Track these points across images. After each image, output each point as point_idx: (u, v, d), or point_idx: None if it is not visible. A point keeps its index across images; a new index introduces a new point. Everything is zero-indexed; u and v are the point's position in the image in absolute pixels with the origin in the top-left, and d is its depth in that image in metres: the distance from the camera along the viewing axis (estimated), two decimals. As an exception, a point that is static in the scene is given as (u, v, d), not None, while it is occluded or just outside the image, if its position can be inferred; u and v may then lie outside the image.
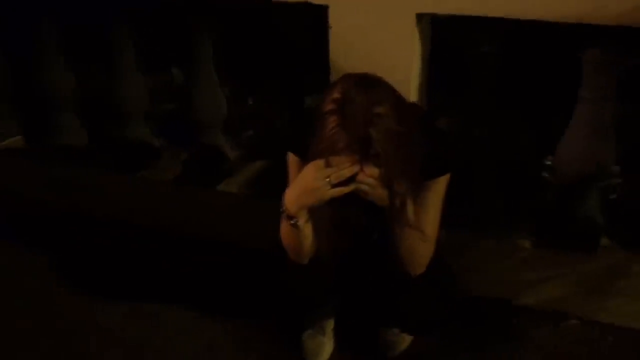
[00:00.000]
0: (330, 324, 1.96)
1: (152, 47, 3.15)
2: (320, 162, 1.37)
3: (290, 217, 1.45)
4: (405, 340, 1.92)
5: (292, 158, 1.61)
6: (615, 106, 2.00)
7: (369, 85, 1.37)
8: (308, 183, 1.39)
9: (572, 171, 2.09)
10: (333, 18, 1.96)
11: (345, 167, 1.34)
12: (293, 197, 1.44)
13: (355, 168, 1.34)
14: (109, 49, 2.62)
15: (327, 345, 1.96)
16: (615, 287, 2.04)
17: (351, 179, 1.36)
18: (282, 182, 1.56)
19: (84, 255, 2.41)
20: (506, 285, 2.09)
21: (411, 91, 1.97)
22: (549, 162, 2.30)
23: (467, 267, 2.08)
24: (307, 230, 1.48)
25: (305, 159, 1.45)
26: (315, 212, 1.47)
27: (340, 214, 1.50)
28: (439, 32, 2.08)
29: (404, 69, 1.93)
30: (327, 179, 1.36)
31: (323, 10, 1.98)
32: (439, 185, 1.55)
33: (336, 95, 1.33)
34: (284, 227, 1.51)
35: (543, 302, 2.04)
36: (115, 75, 2.66)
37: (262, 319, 2.04)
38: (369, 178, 1.35)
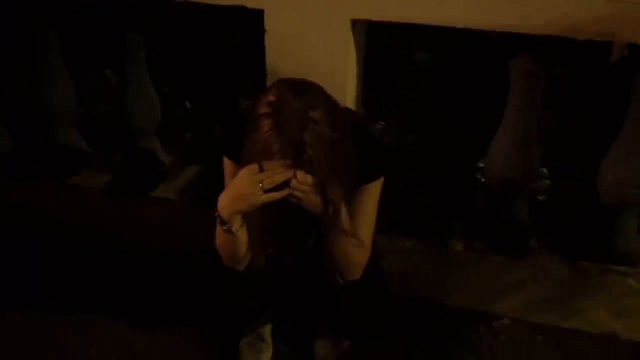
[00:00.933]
0: (267, 330, 1.95)
1: (82, 49, 3.06)
2: (254, 167, 1.35)
3: (223, 223, 1.43)
4: (342, 346, 1.93)
5: (227, 162, 1.59)
6: (541, 112, 2.08)
7: (304, 90, 1.36)
8: (241, 188, 1.37)
9: (500, 174, 2.16)
10: (269, 22, 1.96)
11: (278, 173, 1.33)
12: (226, 202, 1.42)
13: (289, 174, 1.33)
14: (36, 51, 2.53)
15: (266, 351, 1.94)
16: (544, 289, 2.11)
17: (285, 185, 1.35)
18: (219, 188, 1.54)
19: (15, 268, 2.30)
20: (440, 287, 2.13)
21: (347, 96, 1.99)
22: (481, 165, 2.37)
23: (401, 271, 2.12)
24: (242, 235, 1.46)
25: (240, 163, 1.43)
26: (249, 218, 1.45)
27: (274, 220, 1.49)
28: (374, 38, 2.10)
29: (340, 75, 1.94)
30: (261, 185, 1.34)
31: (259, 14, 1.97)
32: (373, 191, 1.56)
33: (271, 98, 1.32)
34: (219, 233, 1.48)
35: (475, 304, 2.08)
36: (42, 78, 2.57)
37: (198, 327, 2.00)
38: (302, 184, 1.35)
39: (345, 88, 1.97)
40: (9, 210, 2.51)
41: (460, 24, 1.73)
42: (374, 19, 1.88)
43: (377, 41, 2.14)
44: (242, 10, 1.95)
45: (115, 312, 2.07)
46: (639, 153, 2.01)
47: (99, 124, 2.94)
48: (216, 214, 1.44)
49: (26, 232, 2.39)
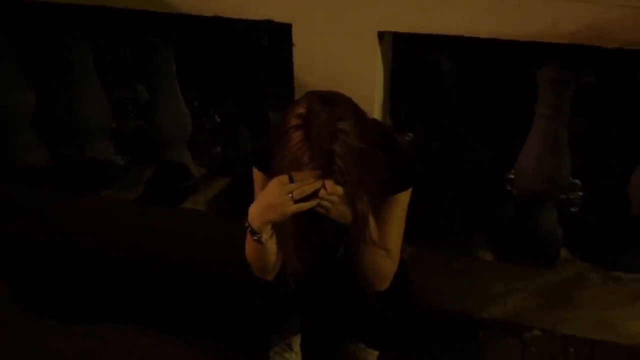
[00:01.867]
0: (297, 340, 1.96)
1: (115, 64, 3.14)
2: (284, 178, 1.37)
3: (253, 233, 1.45)
4: (372, 355, 1.93)
5: (257, 173, 1.61)
6: (570, 121, 2.06)
7: (333, 101, 1.38)
8: (271, 198, 1.39)
9: (530, 184, 2.14)
10: (296, 36, 1.98)
11: (308, 183, 1.35)
12: (257, 212, 1.44)
13: (318, 184, 1.35)
14: (70, 66, 2.59)
15: (295, 361, 1.95)
16: (574, 299, 2.08)
17: (314, 195, 1.37)
18: (248, 199, 1.56)
19: (43, 278, 2.34)
20: (468, 299, 2.12)
21: (374, 107, 2.00)
22: (511, 176, 2.35)
23: (430, 282, 2.11)
24: (271, 245, 1.48)
25: (269, 174, 1.45)
26: (280, 228, 1.47)
27: (304, 230, 1.50)
28: (401, 50, 2.12)
29: (367, 86, 1.96)
30: (290, 195, 1.36)
31: (287, 28, 2.00)
32: (401, 201, 1.57)
33: (301, 110, 1.34)
34: (249, 243, 1.50)
35: (506, 315, 2.06)
36: (76, 93, 2.63)
37: (228, 338, 2.02)
38: (332, 194, 1.36)
39: (372, 99, 1.99)
40: (41, 221, 2.57)
41: (487, 34, 1.74)
42: (400, 30, 1.89)
43: (404, 52, 2.15)
44: (270, 24, 1.99)
45: (141, 320, 2.10)
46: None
47: (131, 137, 2.99)
48: (246, 224, 1.47)
49: (58, 242, 2.44)
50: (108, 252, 2.39)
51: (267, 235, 1.45)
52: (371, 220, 1.46)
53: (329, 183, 1.35)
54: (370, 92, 1.97)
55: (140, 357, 1.99)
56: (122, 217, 2.58)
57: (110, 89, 2.78)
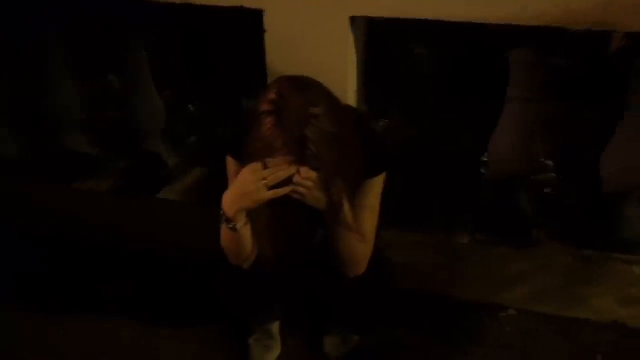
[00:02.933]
0: (276, 327, 1.97)
1: (86, 54, 3.08)
2: (257, 165, 1.37)
3: (228, 221, 1.45)
4: (351, 340, 1.94)
5: (230, 161, 1.61)
6: (545, 104, 2.08)
7: (304, 86, 1.38)
8: (245, 185, 1.39)
9: (503, 167, 2.16)
10: (268, 22, 1.97)
11: (282, 169, 1.35)
12: (230, 200, 1.44)
13: (292, 170, 1.35)
14: (41, 56, 2.54)
15: (275, 348, 1.96)
16: (549, 278, 2.11)
17: (288, 181, 1.37)
18: (223, 188, 1.55)
19: (21, 270, 2.32)
20: (445, 280, 2.14)
21: (347, 93, 1.99)
22: (485, 159, 2.37)
23: (406, 264, 2.13)
24: (246, 233, 1.48)
25: (243, 162, 1.45)
26: (254, 215, 1.47)
27: (280, 217, 1.50)
28: (373, 34, 2.11)
29: (339, 72, 1.95)
30: (264, 181, 1.36)
31: (258, 14, 1.98)
32: (376, 185, 1.58)
33: (272, 95, 1.34)
34: (223, 231, 1.50)
35: (482, 296, 2.09)
36: (48, 83, 2.58)
37: (207, 326, 2.02)
38: (306, 180, 1.36)
39: (345, 84, 1.98)
40: (17, 212, 2.53)
41: (457, 18, 1.74)
42: (372, 14, 1.88)
43: (378, 37, 2.15)
44: (241, 10, 1.97)
45: (122, 311, 2.09)
46: (639, 140, 2.01)
47: (104, 127, 2.95)
48: (221, 213, 1.46)
49: (33, 234, 2.42)
50: (84, 243, 2.38)
51: (241, 222, 1.45)
52: (346, 205, 1.46)
53: (303, 168, 1.35)
54: (343, 78, 1.97)
55: (123, 348, 1.99)
56: (97, 207, 2.55)
57: (83, 79, 2.73)
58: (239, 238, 1.48)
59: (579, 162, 2.41)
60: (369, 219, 1.58)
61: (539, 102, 2.06)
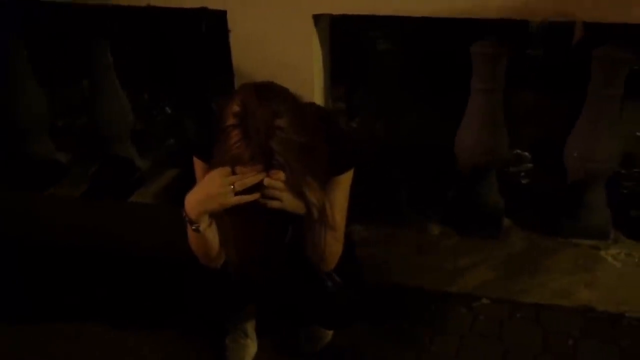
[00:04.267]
0: (251, 325, 1.97)
1: (53, 59, 3.06)
2: (226, 169, 1.37)
3: (191, 222, 1.45)
4: (327, 335, 1.96)
5: (197, 162, 1.60)
6: (504, 95, 2.11)
7: (268, 95, 1.37)
8: (211, 189, 1.39)
9: (470, 158, 2.19)
10: (232, 22, 1.98)
11: (249, 176, 1.36)
12: (194, 202, 1.44)
13: (260, 176, 1.36)
14: (5, 62, 2.51)
15: (251, 347, 1.96)
16: (519, 267, 2.16)
17: (255, 188, 1.38)
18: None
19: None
20: (419, 273, 2.17)
21: (314, 91, 2.01)
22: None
23: (380, 258, 2.15)
24: (210, 234, 1.48)
25: (210, 163, 1.45)
26: (218, 219, 1.47)
27: (247, 221, 1.50)
28: (337, 31, 2.13)
29: (305, 69, 1.97)
30: (232, 187, 1.37)
31: (222, 14, 1.99)
32: (344, 182, 1.59)
33: (236, 108, 1.34)
34: (189, 233, 1.50)
35: (457, 288, 2.12)
36: (13, 90, 2.56)
37: (184, 327, 2.02)
38: (276, 181, 1.37)
39: (312, 83, 2.00)
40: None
41: (418, 13, 1.76)
42: (335, 12, 1.90)
43: (341, 34, 2.17)
44: (205, 11, 1.97)
45: (97, 314, 2.09)
46: (600, 128, 2.06)
47: (74, 133, 2.94)
48: (183, 214, 1.47)
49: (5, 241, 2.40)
50: (57, 248, 2.36)
51: (204, 224, 1.45)
52: (327, 207, 1.47)
53: (272, 171, 1.36)
54: (309, 76, 1.98)
55: (101, 350, 1.98)
56: (68, 212, 2.54)
57: (50, 84, 2.71)
58: (204, 239, 1.48)
59: (548, 151, 2.46)
60: (339, 214, 1.59)
61: (502, 93, 2.09)
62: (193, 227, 1.45)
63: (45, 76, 2.63)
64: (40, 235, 2.43)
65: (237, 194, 1.37)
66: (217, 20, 2.03)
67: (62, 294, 2.21)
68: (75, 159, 2.81)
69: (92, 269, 2.30)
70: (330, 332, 1.96)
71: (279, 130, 1.31)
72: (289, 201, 1.40)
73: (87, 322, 2.07)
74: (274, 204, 1.39)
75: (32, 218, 2.54)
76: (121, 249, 2.31)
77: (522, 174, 2.61)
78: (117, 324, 2.06)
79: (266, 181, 1.36)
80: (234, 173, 1.36)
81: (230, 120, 1.33)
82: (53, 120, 2.79)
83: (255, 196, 1.38)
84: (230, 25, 1.97)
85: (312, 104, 1.78)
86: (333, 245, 1.58)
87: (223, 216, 1.45)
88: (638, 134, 2.87)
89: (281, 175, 1.36)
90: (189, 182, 1.60)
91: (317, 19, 1.94)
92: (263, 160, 1.33)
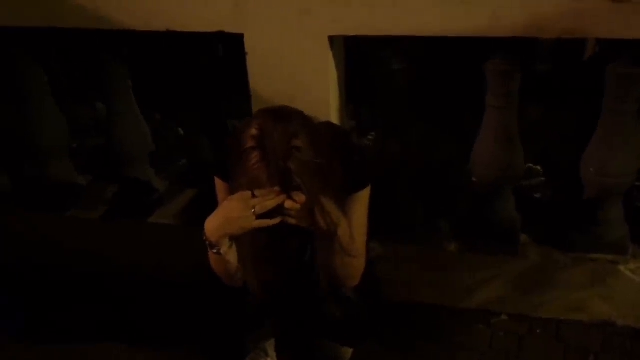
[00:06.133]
0: (271, 345, 1.98)
1: (72, 83, 3.11)
2: (246, 193, 1.40)
3: (212, 246, 1.47)
4: (347, 353, 1.96)
5: (219, 182, 1.63)
6: (529, 109, 2.12)
7: (284, 118, 1.40)
8: (232, 213, 1.42)
9: (486, 174, 2.20)
10: (249, 45, 2.01)
11: (270, 199, 1.38)
12: (215, 225, 1.46)
13: (280, 199, 1.38)
14: (25, 87, 2.56)
15: (271, 366, 1.97)
16: (540, 283, 2.15)
17: (275, 211, 1.40)
18: (214, 209, 1.57)
19: (15, 300, 2.32)
20: (437, 290, 2.16)
21: (330, 110, 2.03)
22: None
23: (398, 275, 2.15)
24: (231, 256, 1.50)
25: (231, 182, 1.47)
26: (239, 242, 1.49)
27: (268, 240, 1.52)
28: (352, 52, 2.16)
29: (321, 90, 2.00)
30: (253, 210, 1.39)
31: (239, 38, 2.03)
32: (362, 199, 1.60)
33: (254, 131, 1.37)
34: (210, 255, 1.53)
35: (475, 304, 2.11)
36: (32, 114, 2.60)
37: (204, 348, 2.03)
38: (296, 205, 1.39)
39: (327, 102, 2.02)
40: (8, 243, 2.54)
41: (431, 33, 1.79)
42: (350, 33, 1.94)
43: (356, 55, 2.20)
44: (222, 35, 2.01)
45: (117, 337, 2.10)
46: (616, 143, 2.06)
47: (93, 156, 2.97)
48: (204, 238, 1.49)
49: (26, 264, 2.42)
50: (78, 271, 2.38)
51: (225, 247, 1.48)
52: (344, 224, 1.49)
53: (294, 193, 1.38)
54: (325, 96, 2.01)
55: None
56: (88, 235, 2.56)
57: (68, 107, 2.76)
58: (225, 261, 1.50)
59: (565, 165, 2.46)
60: (359, 232, 1.61)
61: (516, 109, 2.10)
62: (214, 251, 1.47)
63: (60, 99, 2.67)
64: (59, 258, 2.45)
65: (257, 217, 1.40)
66: (233, 42, 2.07)
67: (82, 316, 2.23)
68: (92, 181, 2.84)
69: (111, 290, 2.32)
70: (350, 350, 1.96)
71: (296, 151, 1.34)
72: (307, 221, 1.43)
73: (105, 343, 2.08)
74: (292, 221, 1.42)
75: (51, 240, 2.56)
76: (139, 271, 2.33)
77: (534, 187, 2.61)
78: (136, 345, 2.06)
79: (288, 204, 1.38)
80: (253, 196, 1.39)
81: (249, 143, 1.36)
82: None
83: (276, 220, 1.41)
84: (247, 47, 2.01)
85: (329, 123, 1.81)
86: (352, 263, 1.59)
87: (242, 238, 1.48)
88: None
89: (302, 197, 1.38)
90: (208, 202, 1.62)
91: (332, 40, 1.97)
92: (281, 181, 1.35)
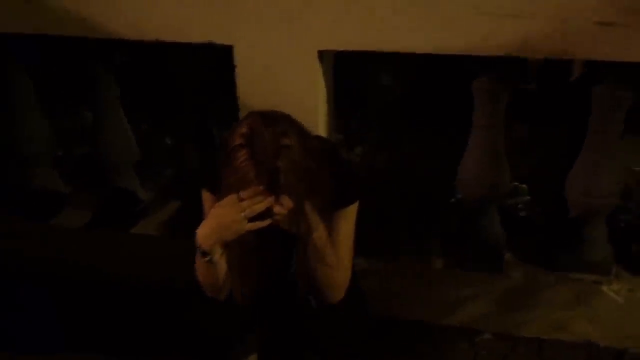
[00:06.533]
0: (254, 359, 1.96)
1: (57, 90, 3.09)
2: (234, 197, 1.39)
3: (204, 254, 1.46)
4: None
5: (206, 195, 1.62)
6: (515, 127, 2.14)
7: (275, 119, 1.41)
8: (224, 218, 1.41)
9: (472, 192, 2.21)
10: (238, 57, 2.01)
11: (259, 201, 1.37)
12: (207, 232, 1.45)
13: (269, 201, 1.38)
14: (10, 94, 2.54)
15: (254, 380, 1.95)
16: (525, 301, 2.15)
17: (264, 213, 1.39)
18: (199, 220, 1.56)
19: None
20: (422, 306, 2.16)
21: (318, 124, 2.04)
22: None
23: (381, 291, 2.14)
24: (223, 264, 1.49)
25: (218, 195, 1.46)
26: (228, 249, 1.48)
27: (254, 250, 1.51)
28: (342, 67, 2.16)
29: (310, 104, 2.00)
30: (243, 214, 1.38)
31: (228, 49, 2.03)
32: (349, 214, 1.60)
33: (243, 130, 1.37)
34: (199, 265, 1.51)
35: (459, 321, 2.11)
36: (17, 121, 2.58)
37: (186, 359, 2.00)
38: (284, 210, 1.39)
39: (316, 117, 2.03)
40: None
41: (421, 50, 1.80)
42: (339, 48, 1.94)
43: (346, 70, 2.21)
44: (211, 46, 2.01)
45: (99, 346, 2.07)
46: (602, 163, 2.08)
47: (77, 164, 2.95)
48: (196, 246, 1.47)
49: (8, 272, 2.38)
50: (60, 279, 2.35)
51: (218, 254, 1.47)
52: (320, 228, 1.48)
53: (284, 198, 1.38)
54: (313, 110, 2.01)
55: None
56: (71, 244, 2.53)
57: (54, 116, 2.73)
58: (215, 270, 1.49)
59: (551, 185, 2.48)
60: (345, 246, 1.60)
61: (503, 128, 2.12)
62: (207, 259, 1.46)
63: (45, 106, 2.65)
64: (42, 266, 2.42)
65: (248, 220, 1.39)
66: (221, 53, 2.07)
67: (63, 325, 2.20)
68: (76, 190, 2.82)
69: (95, 300, 2.29)
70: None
71: (285, 149, 1.34)
72: (293, 224, 1.42)
73: (87, 354, 2.05)
74: (281, 224, 1.42)
75: (34, 249, 2.53)
76: (123, 281, 2.31)
77: (520, 206, 2.62)
78: (117, 356, 2.04)
79: (276, 209, 1.38)
80: (240, 200, 1.38)
81: (238, 141, 1.35)
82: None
83: (267, 222, 1.40)
84: (236, 60, 2.01)
85: (317, 136, 1.81)
86: (335, 276, 1.58)
87: (230, 243, 1.47)
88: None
89: (289, 202, 1.38)
90: (192, 214, 1.61)
91: (322, 54, 1.98)
92: (269, 181, 1.35)
